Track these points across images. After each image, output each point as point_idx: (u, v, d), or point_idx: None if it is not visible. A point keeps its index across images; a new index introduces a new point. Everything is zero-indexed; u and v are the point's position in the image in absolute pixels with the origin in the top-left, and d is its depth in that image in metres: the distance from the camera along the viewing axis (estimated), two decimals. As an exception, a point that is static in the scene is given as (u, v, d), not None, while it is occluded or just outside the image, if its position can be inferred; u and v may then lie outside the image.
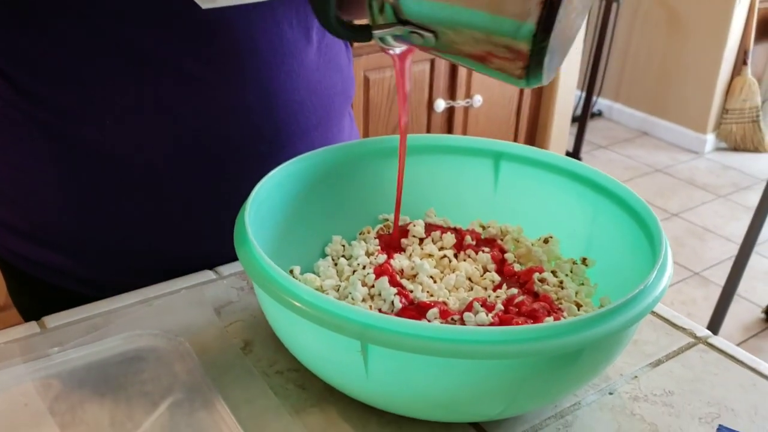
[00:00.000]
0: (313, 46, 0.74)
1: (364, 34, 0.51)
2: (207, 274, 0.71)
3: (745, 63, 3.25)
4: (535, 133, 2.56)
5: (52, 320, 0.64)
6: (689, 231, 2.74)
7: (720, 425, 0.56)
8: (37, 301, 0.76)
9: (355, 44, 1.98)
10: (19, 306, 0.80)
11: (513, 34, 0.47)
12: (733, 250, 2.36)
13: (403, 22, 0.50)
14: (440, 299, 0.60)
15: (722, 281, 1.95)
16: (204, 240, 0.73)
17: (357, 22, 0.53)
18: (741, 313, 2.27)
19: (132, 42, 0.63)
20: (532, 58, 0.47)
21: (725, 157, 3.35)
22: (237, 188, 0.66)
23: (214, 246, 0.71)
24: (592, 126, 3.48)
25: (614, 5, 3.11)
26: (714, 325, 1.95)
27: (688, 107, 3.37)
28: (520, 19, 0.46)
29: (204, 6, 0.62)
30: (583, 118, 3.08)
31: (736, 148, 3.38)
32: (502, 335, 0.45)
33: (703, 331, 0.67)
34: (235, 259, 0.72)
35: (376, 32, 0.51)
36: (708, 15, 3.20)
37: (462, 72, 2.23)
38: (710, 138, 3.36)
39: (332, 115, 0.78)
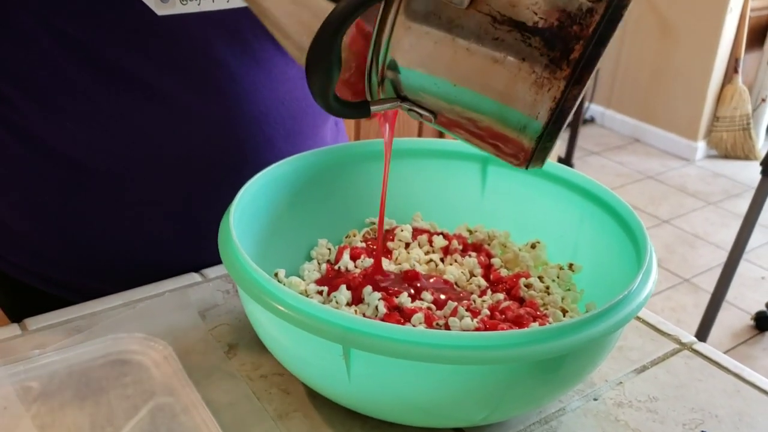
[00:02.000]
0: (286, 56, 0.73)
1: (362, 111, 0.49)
2: (192, 277, 0.71)
3: (736, 71, 3.26)
4: (526, 138, 2.56)
5: (34, 322, 0.63)
6: (679, 238, 2.74)
7: (702, 431, 0.55)
8: (19, 302, 0.75)
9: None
10: (3, 306, 0.80)
11: (519, 128, 0.44)
12: (723, 257, 2.36)
13: (402, 98, 0.48)
14: (425, 304, 0.59)
15: (712, 288, 1.95)
16: (172, 247, 0.73)
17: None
18: (730, 320, 2.28)
19: (90, 47, 0.62)
20: (536, 155, 0.45)
21: (716, 164, 3.36)
22: (203, 197, 0.65)
23: (184, 253, 0.70)
24: (584, 132, 3.48)
25: (606, 12, 3.11)
26: (703, 332, 1.95)
27: (679, 114, 3.38)
28: (530, 115, 0.43)
29: (159, 12, 0.61)
30: (575, 124, 3.09)
31: (726, 156, 3.39)
32: (485, 340, 0.45)
33: (689, 337, 0.66)
34: (209, 265, 0.72)
35: (374, 108, 0.49)
36: (699, 23, 3.21)
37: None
38: (701, 145, 3.37)
39: (305, 127, 0.76)
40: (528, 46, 0.41)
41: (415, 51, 0.45)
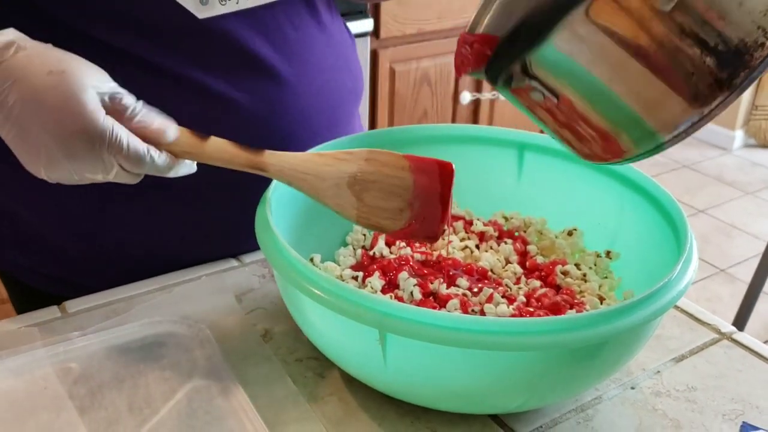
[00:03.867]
0: (321, 46, 0.73)
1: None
2: (229, 262, 0.71)
3: (776, 58, 3.19)
4: (560, 126, 2.54)
5: (73, 305, 0.64)
6: (716, 228, 2.70)
7: (744, 422, 0.55)
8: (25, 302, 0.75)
9: (381, 35, 1.97)
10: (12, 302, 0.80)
11: (637, 137, 0.45)
12: (760, 247, 2.32)
13: (531, 76, 0.47)
14: (460, 291, 0.59)
15: (749, 279, 1.92)
16: (211, 246, 0.72)
17: None
18: (767, 310, 2.24)
19: (134, 53, 0.62)
20: (632, 159, 0.47)
21: (754, 153, 3.30)
22: (247, 193, 0.64)
23: (221, 249, 0.71)
24: (618, 120, 3.44)
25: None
26: (739, 323, 1.92)
27: (717, 102, 3.32)
28: (661, 130, 0.44)
29: (200, 16, 0.62)
30: (609, 113, 3.05)
31: (765, 145, 3.33)
32: (523, 327, 0.45)
33: (728, 327, 0.65)
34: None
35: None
36: (739, 9, 3.14)
37: (488, 64, 2.22)
38: (739, 134, 3.31)
39: (342, 115, 0.76)
40: (702, 63, 0.42)
41: (586, 40, 0.44)
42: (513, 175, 0.70)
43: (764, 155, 3.28)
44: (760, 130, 3.29)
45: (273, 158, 0.54)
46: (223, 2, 0.63)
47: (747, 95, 3.22)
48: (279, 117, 0.69)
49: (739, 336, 0.64)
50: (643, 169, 0.62)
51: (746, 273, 2.31)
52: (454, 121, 2.23)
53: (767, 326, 2.20)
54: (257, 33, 0.66)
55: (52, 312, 0.63)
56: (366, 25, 1.92)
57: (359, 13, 1.90)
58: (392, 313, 0.44)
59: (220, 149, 0.53)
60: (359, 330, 0.46)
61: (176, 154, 0.52)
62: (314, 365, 0.58)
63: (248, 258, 0.72)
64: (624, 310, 0.46)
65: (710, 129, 3.35)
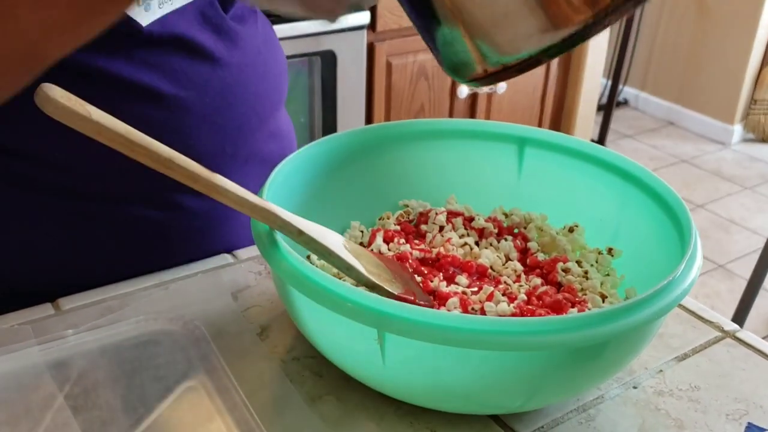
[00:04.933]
0: (250, 29, 0.72)
1: None
2: (224, 258, 0.70)
3: (775, 53, 3.19)
4: (559, 120, 2.53)
5: (67, 302, 0.63)
6: (714, 223, 2.70)
7: (749, 423, 0.54)
8: None
9: (378, 29, 1.96)
10: None
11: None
12: (759, 243, 2.32)
13: None
14: (460, 289, 0.58)
15: (748, 274, 1.92)
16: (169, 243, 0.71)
17: None
18: (766, 306, 2.24)
19: (77, 62, 0.60)
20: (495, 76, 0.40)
21: (753, 148, 3.30)
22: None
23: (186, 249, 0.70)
24: (617, 115, 3.43)
25: (642, -8, 3.06)
26: (739, 319, 1.91)
27: (716, 97, 3.31)
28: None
29: (145, 24, 0.61)
30: (608, 107, 3.04)
31: (764, 140, 3.32)
32: (523, 326, 0.44)
33: (731, 325, 0.65)
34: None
35: None
36: (737, 4, 3.14)
37: (486, 58, 2.21)
38: (738, 129, 3.30)
39: (281, 96, 0.77)
40: None
41: None
42: (513, 170, 0.69)
43: (763, 150, 3.27)
44: (759, 125, 3.29)
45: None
46: (161, 5, 0.63)
47: (746, 89, 3.22)
48: (229, 107, 0.69)
49: (742, 334, 0.64)
50: (641, 162, 0.61)
51: (745, 269, 2.31)
52: (451, 115, 2.22)
53: (766, 322, 2.19)
54: (198, 28, 0.67)
55: (45, 309, 0.62)
56: (362, 17, 1.90)
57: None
58: (391, 312, 0.44)
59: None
60: (357, 329, 0.45)
61: None
62: (312, 364, 0.57)
63: (244, 254, 0.71)
64: (627, 309, 0.45)
65: (708, 123, 3.35)
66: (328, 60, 1.92)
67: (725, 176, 3.05)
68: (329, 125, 2.01)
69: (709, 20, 3.25)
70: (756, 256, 1.90)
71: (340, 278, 0.59)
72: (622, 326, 0.45)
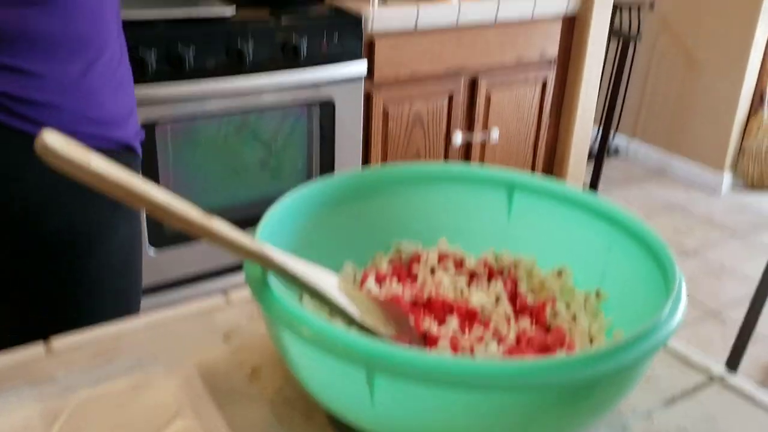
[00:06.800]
0: None
1: None
2: (217, 299, 0.71)
3: (762, 103, 3.24)
4: (552, 168, 2.56)
5: (58, 343, 0.63)
6: (706, 270, 2.71)
7: (736, 466, 0.54)
8: None
9: (375, 78, 1.99)
10: None
11: None
12: (751, 289, 2.32)
13: None
14: (451, 330, 0.59)
15: (740, 321, 1.92)
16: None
17: None
18: (760, 353, 2.24)
19: None
20: None
21: (743, 196, 3.33)
22: None
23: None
24: (609, 163, 3.47)
25: (631, 43, 3.12)
26: (731, 365, 1.91)
27: (705, 145, 3.36)
28: None
29: None
30: (600, 155, 3.08)
31: (753, 187, 3.36)
32: (512, 367, 0.44)
33: (719, 369, 0.65)
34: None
35: None
36: (724, 55, 3.20)
37: (480, 107, 2.24)
38: (727, 177, 3.34)
39: None
40: None
41: None
42: (503, 214, 0.70)
43: (753, 197, 3.31)
44: (748, 173, 3.32)
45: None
46: None
47: (734, 138, 3.26)
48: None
49: (731, 378, 0.64)
50: (633, 209, 0.62)
51: (737, 315, 2.31)
52: (446, 157, 2.24)
53: (760, 369, 2.19)
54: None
55: (36, 350, 0.63)
56: (360, 68, 1.94)
57: (354, 57, 1.92)
58: (380, 354, 0.44)
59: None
60: (346, 370, 0.46)
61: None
62: (302, 406, 0.57)
63: (237, 296, 0.71)
64: (615, 350, 0.46)
65: (699, 171, 3.38)
66: (327, 108, 1.95)
67: (716, 223, 3.07)
68: (327, 171, 2.02)
69: (698, 71, 3.31)
70: (747, 303, 1.91)
71: (332, 320, 0.59)
72: (610, 367, 0.45)
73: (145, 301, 1.00)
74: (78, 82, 0.84)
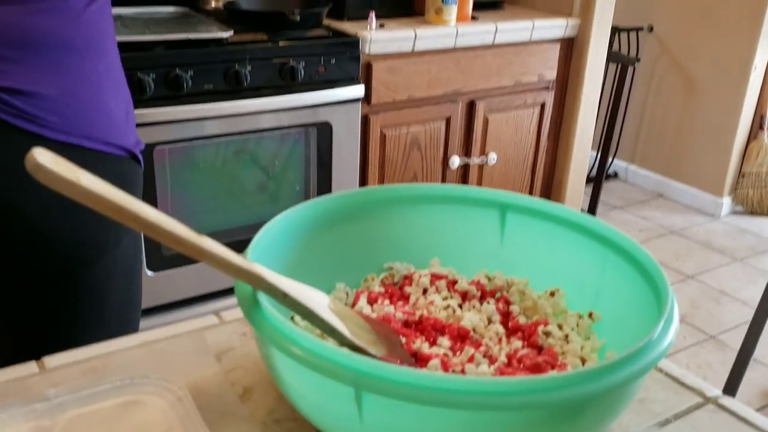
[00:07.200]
0: None
1: None
2: (210, 319, 0.71)
3: (761, 128, 3.25)
4: (549, 192, 2.56)
5: (51, 361, 0.63)
6: (705, 294, 2.70)
7: (728, 488, 0.54)
8: None
9: (372, 101, 2.00)
10: None
11: None
12: (750, 314, 2.31)
13: None
14: (441, 350, 0.59)
15: (739, 345, 1.92)
16: None
17: None
18: (758, 378, 2.22)
19: None
20: None
21: (742, 220, 3.33)
22: None
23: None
24: (607, 187, 3.47)
25: (630, 68, 3.13)
26: (730, 390, 1.90)
27: (705, 170, 3.36)
28: None
29: None
30: (598, 179, 3.08)
31: (752, 212, 3.36)
32: (501, 386, 0.44)
33: (713, 391, 0.65)
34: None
35: None
36: (723, 80, 3.21)
37: (477, 130, 2.25)
38: (726, 201, 3.34)
39: None
40: None
41: None
42: (495, 235, 0.70)
43: (752, 222, 3.30)
44: (748, 198, 3.33)
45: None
46: None
47: (733, 163, 3.27)
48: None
49: (724, 401, 0.64)
50: (630, 234, 0.63)
51: (736, 340, 2.30)
52: (444, 179, 2.25)
53: (759, 394, 2.18)
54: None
55: (29, 368, 0.62)
56: (357, 91, 1.95)
57: (351, 80, 1.93)
58: (368, 372, 0.44)
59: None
60: (335, 389, 0.46)
61: None
62: (293, 427, 0.57)
63: (229, 316, 0.71)
64: (604, 370, 0.46)
65: (698, 195, 3.39)
66: (324, 131, 1.95)
67: (715, 248, 3.07)
68: (324, 194, 2.03)
69: (697, 95, 3.32)
70: (746, 328, 1.90)
71: (323, 338, 0.59)
72: (600, 387, 0.45)
73: (142, 323, 1.00)
74: (86, 79, 0.86)
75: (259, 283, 0.51)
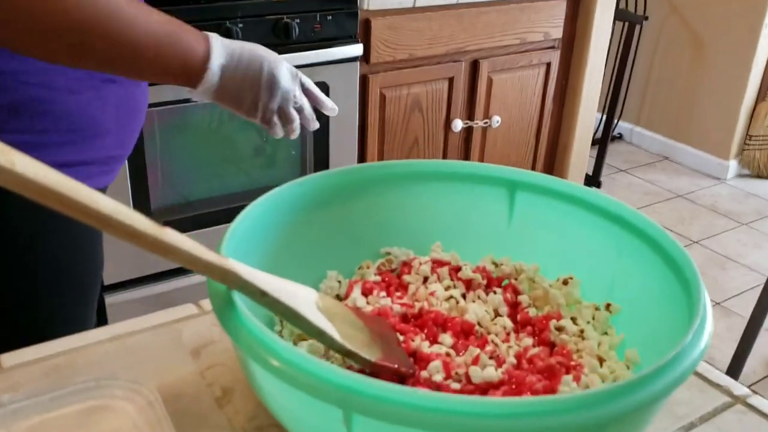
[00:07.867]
0: None
1: None
2: (188, 309, 0.64)
3: (770, 88, 3.17)
4: (554, 155, 2.49)
5: (8, 359, 0.57)
6: (710, 259, 2.65)
7: None
8: None
9: (371, 60, 1.92)
10: None
11: None
12: (756, 279, 2.26)
13: None
14: (443, 349, 0.53)
15: (745, 312, 1.87)
16: None
17: None
18: (764, 348, 2.18)
19: None
20: None
21: (748, 183, 3.26)
22: None
23: None
24: (612, 149, 3.39)
25: (637, 27, 3.04)
26: (738, 360, 1.86)
27: (711, 132, 3.29)
28: None
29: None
30: (603, 141, 3.00)
31: (759, 175, 3.29)
32: (507, 408, 0.38)
33: (741, 389, 0.59)
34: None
35: None
36: (733, 40, 3.12)
37: (481, 92, 2.17)
38: (733, 164, 3.27)
39: None
40: None
41: None
42: (503, 216, 0.64)
43: (758, 185, 3.24)
44: (754, 160, 3.26)
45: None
46: None
47: (741, 125, 3.19)
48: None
49: (753, 400, 0.58)
50: (635, 197, 0.56)
51: (742, 306, 2.26)
52: (445, 149, 2.18)
53: (765, 363, 2.13)
54: None
55: (-17, 367, 0.56)
56: (355, 50, 1.87)
57: (349, 38, 1.86)
58: (358, 390, 0.38)
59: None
60: (321, 408, 0.39)
61: None
62: (276, 434, 0.51)
63: (208, 305, 0.65)
64: (629, 388, 0.40)
65: (704, 158, 3.32)
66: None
67: (721, 212, 3.01)
68: (321, 158, 1.96)
69: (704, 56, 3.24)
70: (753, 294, 1.85)
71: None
72: (623, 408, 0.39)
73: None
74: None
75: (233, 280, 0.44)
